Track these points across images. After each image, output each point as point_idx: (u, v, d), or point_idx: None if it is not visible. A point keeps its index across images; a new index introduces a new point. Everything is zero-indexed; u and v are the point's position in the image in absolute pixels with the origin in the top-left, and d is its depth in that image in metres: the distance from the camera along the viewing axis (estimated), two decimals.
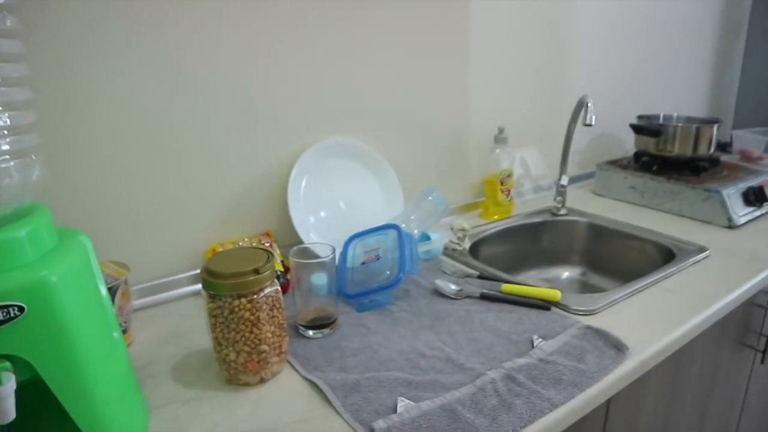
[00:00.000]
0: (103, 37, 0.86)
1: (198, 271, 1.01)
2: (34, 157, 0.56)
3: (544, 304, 0.94)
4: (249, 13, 0.99)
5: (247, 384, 0.75)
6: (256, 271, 0.70)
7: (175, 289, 1.00)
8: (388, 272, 0.97)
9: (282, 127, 1.08)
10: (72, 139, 0.87)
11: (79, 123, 0.87)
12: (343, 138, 1.16)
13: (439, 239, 1.16)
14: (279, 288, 0.74)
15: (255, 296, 0.71)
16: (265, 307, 0.72)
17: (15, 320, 0.51)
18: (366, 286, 0.98)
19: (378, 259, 1.01)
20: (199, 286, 1.01)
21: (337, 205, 1.13)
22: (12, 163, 0.53)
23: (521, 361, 0.78)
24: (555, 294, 0.95)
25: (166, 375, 0.78)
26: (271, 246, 1.04)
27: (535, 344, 0.82)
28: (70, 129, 0.86)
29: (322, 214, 1.11)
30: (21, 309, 0.51)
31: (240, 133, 1.03)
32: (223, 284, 0.70)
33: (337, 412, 0.69)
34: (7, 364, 0.51)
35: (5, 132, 0.52)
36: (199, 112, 0.98)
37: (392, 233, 1.05)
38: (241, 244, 1.02)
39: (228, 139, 1.02)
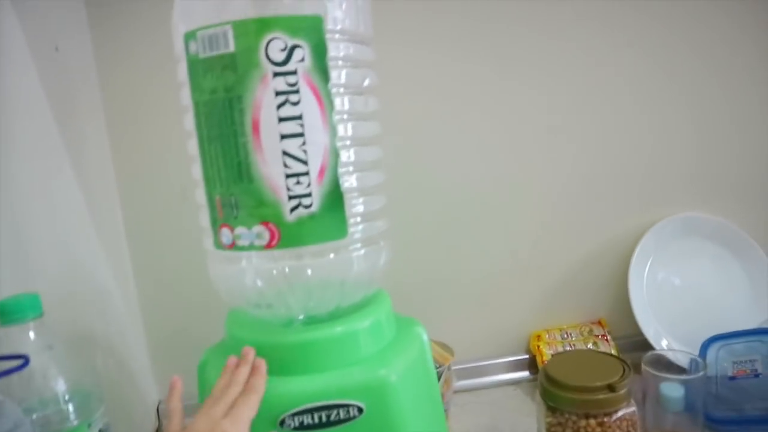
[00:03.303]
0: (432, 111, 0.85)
1: (519, 357, 0.92)
2: (381, 243, 0.52)
3: None
4: (576, 70, 0.88)
5: None
6: (611, 388, 0.56)
7: (491, 375, 0.91)
8: None
9: (621, 200, 0.92)
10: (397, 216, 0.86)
11: (403, 196, 0.85)
12: (699, 213, 0.94)
13: None
14: (635, 409, 0.58)
15: (607, 418, 0.56)
16: None
17: (354, 420, 0.47)
18: (737, 409, 0.75)
19: (756, 375, 0.77)
20: (520, 374, 0.90)
21: (689, 295, 0.91)
22: (362, 251, 0.50)
23: None
24: None
25: None
26: (605, 338, 0.88)
27: None
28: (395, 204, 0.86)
29: (670, 304, 0.90)
30: (360, 409, 0.47)
31: (572, 208, 0.91)
32: (568, 398, 0.57)
33: None
34: None
35: (358, 219, 0.49)
36: (530, 184, 0.90)
37: None
38: (569, 332, 0.88)
39: (558, 214, 0.91)
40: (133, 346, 0.85)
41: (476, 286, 0.91)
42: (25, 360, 0.47)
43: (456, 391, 0.84)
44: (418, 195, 0.86)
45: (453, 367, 0.83)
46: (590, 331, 0.89)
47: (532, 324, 0.92)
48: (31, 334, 0.53)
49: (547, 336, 0.89)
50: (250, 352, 0.48)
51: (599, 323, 0.92)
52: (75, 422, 0.54)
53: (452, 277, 0.90)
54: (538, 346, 0.87)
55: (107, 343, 0.77)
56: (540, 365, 0.87)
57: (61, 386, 0.54)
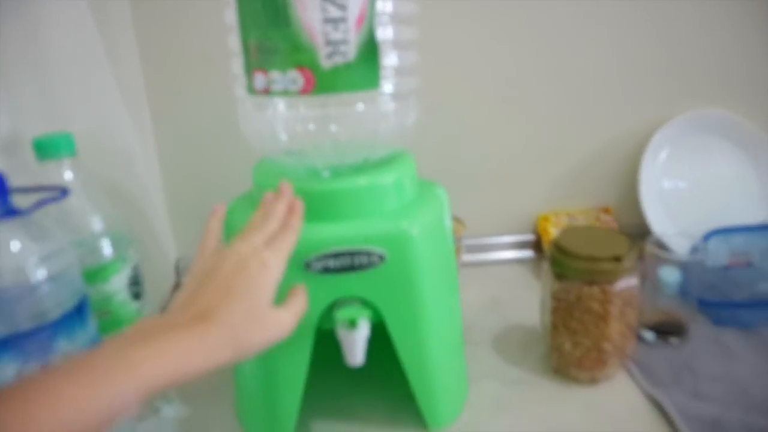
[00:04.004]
0: None
1: (524, 237, 0.95)
2: (411, 100, 0.53)
3: None
4: None
5: (575, 380, 0.65)
6: (617, 259, 0.59)
7: (496, 251, 0.95)
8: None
9: (639, 92, 0.92)
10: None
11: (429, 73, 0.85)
12: (716, 110, 0.93)
13: None
14: (637, 283, 0.62)
15: (610, 287, 0.60)
16: (618, 301, 0.60)
17: (376, 266, 0.50)
18: (725, 295, 0.79)
19: (749, 265, 0.80)
20: (523, 253, 0.95)
21: (696, 189, 0.93)
22: (391, 106, 0.51)
23: None
24: None
25: (487, 345, 0.73)
26: (611, 225, 0.91)
27: None
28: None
29: (677, 197, 0.92)
30: (382, 257, 0.50)
31: (591, 98, 0.91)
32: (575, 267, 0.60)
33: None
34: (368, 312, 0.50)
35: (391, 72, 0.49)
36: (551, 72, 0.89)
37: None
38: (576, 216, 0.91)
39: (577, 103, 0.91)
40: (154, 205, 0.88)
41: (490, 165, 0.92)
42: (64, 190, 0.49)
43: (463, 265, 0.88)
44: (441, 76, 0.86)
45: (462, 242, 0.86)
46: (597, 217, 0.92)
47: (540, 206, 0.95)
48: (67, 172, 0.55)
49: (554, 218, 0.91)
50: (287, 188, 0.48)
51: (606, 211, 0.95)
52: (110, 258, 0.57)
53: (468, 154, 0.92)
54: (545, 227, 0.90)
55: (130, 202, 0.79)
56: (545, 245, 0.90)
57: (97, 224, 0.57)
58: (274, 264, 0.42)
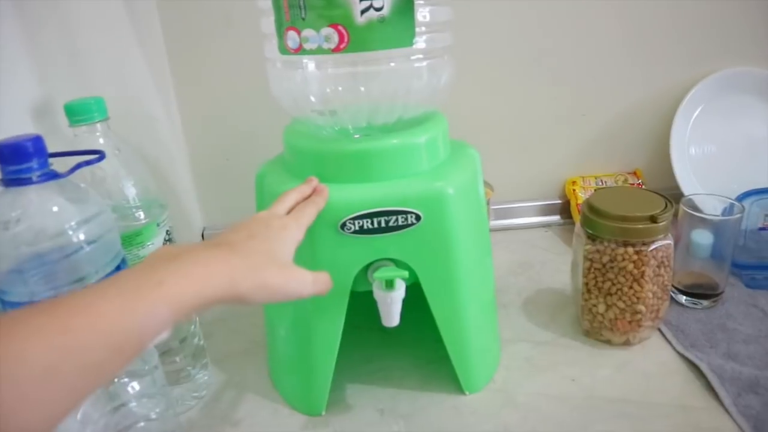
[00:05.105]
0: None
1: (551, 201, 0.94)
2: (446, 58, 0.52)
3: None
4: None
5: (608, 342, 0.65)
6: (652, 219, 0.58)
7: (524, 217, 0.94)
8: None
9: (670, 52, 0.89)
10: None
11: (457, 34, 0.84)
12: (745, 68, 0.91)
13: None
14: (672, 243, 0.61)
15: (644, 248, 0.59)
16: (653, 262, 0.60)
17: (411, 227, 0.50)
18: (759, 257, 0.78)
19: None
20: (551, 218, 0.94)
21: (730, 150, 0.91)
22: (424, 63, 0.50)
23: None
24: None
25: (517, 308, 0.73)
26: (639, 186, 0.89)
27: None
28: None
29: (709, 158, 0.90)
30: (418, 217, 0.49)
31: (620, 56, 0.89)
32: (609, 227, 0.59)
33: (726, 410, 0.55)
34: (405, 273, 0.50)
35: (424, 28, 0.48)
36: (580, 32, 0.87)
37: None
38: (604, 180, 0.90)
39: (605, 61, 0.89)
40: (180, 173, 0.88)
41: (517, 129, 0.91)
42: (101, 154, 0.49)
43: (491, 230, 0.88)
44: (469, 37, 0.84)
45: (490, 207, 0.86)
46: (625, 180, 0.91)
47: (568, 171, 0.94)
48: (100, 136, 0.55)
49: (582, 182, 0.90)
50: (314, 178, 0.50)
51: (635, 173, 0.93)
52: (144, 222, 0.58)
53: (495, 118, 0.90)
54: (574, 190, 0.89)
55: (156, 170, 0.79)
56: (573, 210, 0.90)
57: (130, 189, 0.57)
58: (294, 227, 0.45)
